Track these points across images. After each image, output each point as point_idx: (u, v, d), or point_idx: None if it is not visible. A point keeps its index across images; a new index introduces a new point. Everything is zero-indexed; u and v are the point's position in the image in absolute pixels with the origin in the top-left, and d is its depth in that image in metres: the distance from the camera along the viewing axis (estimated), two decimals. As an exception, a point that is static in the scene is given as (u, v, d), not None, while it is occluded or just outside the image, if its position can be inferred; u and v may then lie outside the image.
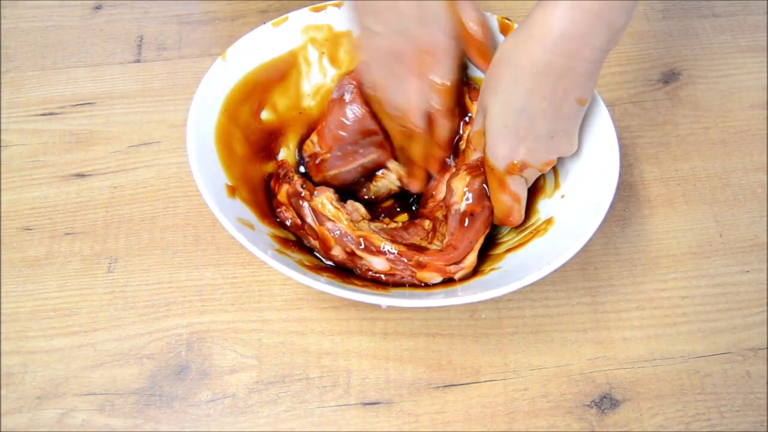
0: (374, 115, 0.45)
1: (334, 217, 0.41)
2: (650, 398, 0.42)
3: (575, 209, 0.41)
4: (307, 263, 0.40)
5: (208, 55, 0.57)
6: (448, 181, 0.43)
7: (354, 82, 0.45)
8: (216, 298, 0.46)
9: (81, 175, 0.51)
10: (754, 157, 0.53)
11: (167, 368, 0.43)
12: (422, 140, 0.44)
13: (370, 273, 0.41)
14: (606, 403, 0.42)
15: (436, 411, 0.42)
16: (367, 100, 0.45)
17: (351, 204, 0.43)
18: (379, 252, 0.40)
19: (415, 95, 0.42)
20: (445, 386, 0.43)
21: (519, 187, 0.42)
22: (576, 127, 0.40)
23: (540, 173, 0.42)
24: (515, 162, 0.40)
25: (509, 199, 0.42)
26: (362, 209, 0.43)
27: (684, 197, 0.51)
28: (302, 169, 0.48)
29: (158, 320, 0.45)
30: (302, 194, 0.42)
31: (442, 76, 0.42)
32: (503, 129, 0.39)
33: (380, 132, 0.45)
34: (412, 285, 0.41)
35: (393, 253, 0.40)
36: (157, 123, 0.54)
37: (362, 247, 0.40)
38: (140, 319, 0.45)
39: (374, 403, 0.42)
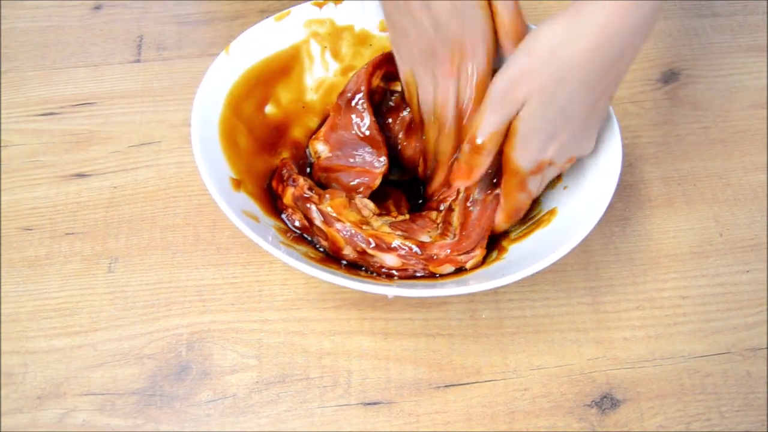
0: (379, 127, 0.45)
1: (343, 218, 0.41)
2: (651, 398, 0.42)
3: (578, 200, 0.42)
4: (312, 255, 0.41)
5: (207, 55, 0.57)
6: None
7: (364, 89, 0.45)
8: (216, 298, 0.46)
9: (81, 175, 0.51)
10: (754, 157, 0.53)
11: (168, 368, 0.43)
12: (453, 134, 0.43)
13: (383, 270, 0.41)
14: (606, 402, 0.42)
15: (436, 411, 0.42)
16: (373, 109, 0.45)
17: (360, 201, 0.43)
18: (390, 249, 0.40)
19: (448, 90, 0.41)
20: (446, 386, 0.43)
21: (536, 185, 0.41)
22: (599, 126, 0.41)
23: (560, 172, 0.41)
24: (544, 160, 0.39)
25: (526, 198, 0.41)
26: (371, 205, 0.43)
27: (684, 197, 0.51)
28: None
29: (158, 320, 0.45)
30: (310, 197, 0.42)
31: (476, 70, 0.40)
32: (539, 126, 0.37)
33: (382, 144, 0.45)
34: (424, 277, 0.41)
35: (405, 248, 0.40)
36: (157, 123, 0.54)
37: (373, 245, 0.40)
38: (140, 319, 0.45)
39: (375, 403, 0.42)
